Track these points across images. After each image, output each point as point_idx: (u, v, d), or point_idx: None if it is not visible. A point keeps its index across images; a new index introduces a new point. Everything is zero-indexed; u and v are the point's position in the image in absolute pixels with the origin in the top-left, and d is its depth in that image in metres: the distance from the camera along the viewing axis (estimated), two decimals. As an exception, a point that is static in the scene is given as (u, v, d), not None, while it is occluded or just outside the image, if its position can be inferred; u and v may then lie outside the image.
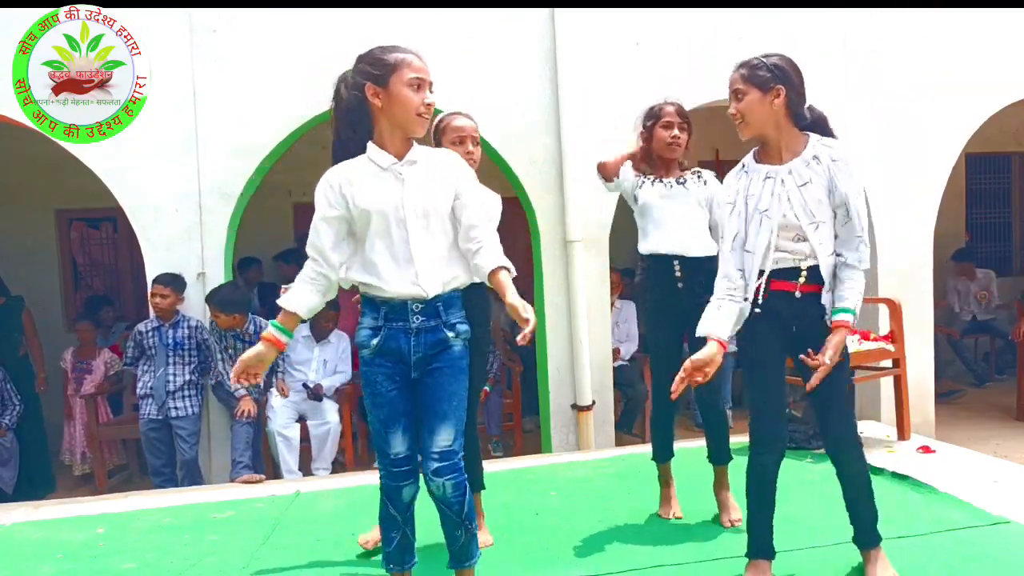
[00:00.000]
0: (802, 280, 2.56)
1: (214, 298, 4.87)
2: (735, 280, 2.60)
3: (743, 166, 2.67)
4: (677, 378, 2.55)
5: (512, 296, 2.24)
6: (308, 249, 2.38)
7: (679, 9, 5.26)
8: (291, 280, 2.50)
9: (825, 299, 2.56)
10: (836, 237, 2.56)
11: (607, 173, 3.35)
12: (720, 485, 3.41)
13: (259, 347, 2.36)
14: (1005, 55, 5.66)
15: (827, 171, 2.53)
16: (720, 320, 2.60)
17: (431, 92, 2.32)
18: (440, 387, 2.33)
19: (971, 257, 7.91)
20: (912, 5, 5.52)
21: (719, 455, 3.38)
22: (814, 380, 2.49)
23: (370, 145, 2.35)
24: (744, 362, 2.72)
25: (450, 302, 2.38)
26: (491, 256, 2.33)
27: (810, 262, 2.56)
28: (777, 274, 2.58)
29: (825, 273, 2.55)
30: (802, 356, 2.50)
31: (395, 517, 2.37)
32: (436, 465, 2.30)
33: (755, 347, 2.63)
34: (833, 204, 2.53)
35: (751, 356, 2.66)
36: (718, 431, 3.38)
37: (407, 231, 2.29)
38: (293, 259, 6.57)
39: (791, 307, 2.58)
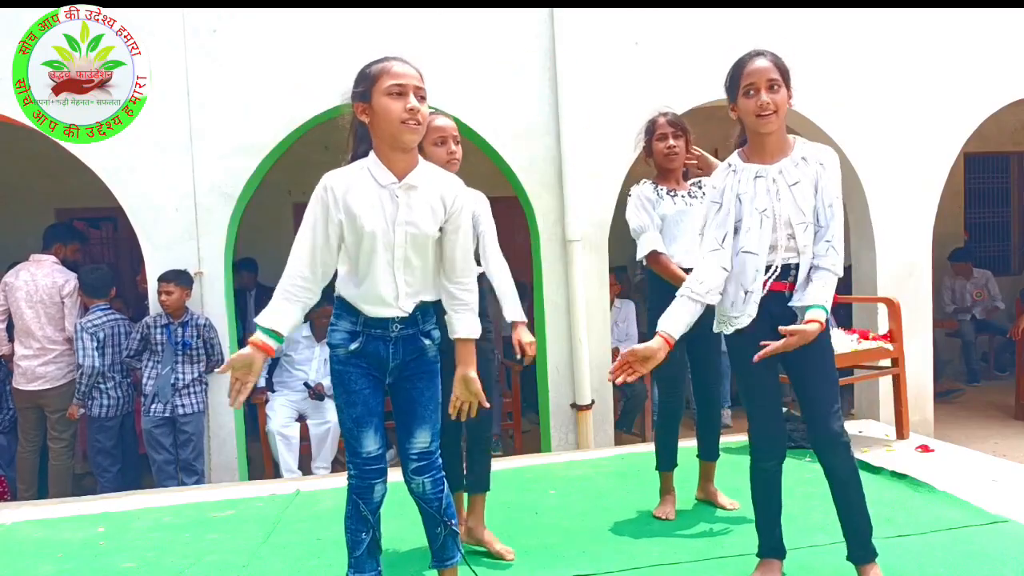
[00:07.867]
0: (785, 278, 2.52)
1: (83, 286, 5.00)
2: (709, 283, 2.51)
3: (729, 165, 2.59)
4: (616, 363, 2.48)
5: (463, 369, 2.38)
6: (294, 262, 2.26)
7: (679, 9, 5.26)
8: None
9: (796, 298, 2.50)
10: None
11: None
12: (707, 480, 3.53)
13: (247, 351, 2.22)
14: (1004, 55, 5.67)
15: (815, 173, 2.51)
16: (680, 319, 2.50)
17: (419, 99, 2.20)
18: (418, 392, 2.39)
19: (969, 257, 7.93)
20: (911, 5, 5.53)
21: (709, 450, 3.48)
22: (772, 348, 2.41)
23: (372, 155, 2.29)
24: (737, 368, 2.66)
25: (426, 311, 2.40)
26: (468, 325, 2.39)
27: (790, 260, 2.51)
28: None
29: (803, 275, 2.50)
30: (780, 328, 2.42)
31: (366, 518, 2.35)
32: (415, 464, 2.39)
33: (748, 353, 2.54)
34: (815, 206, 2.50)
35: (744, 362, 2.57)
36: (711, 426, 3.47)
37: (393, 256, 2.27)
38: None
39: (782, 307, 2.53)
